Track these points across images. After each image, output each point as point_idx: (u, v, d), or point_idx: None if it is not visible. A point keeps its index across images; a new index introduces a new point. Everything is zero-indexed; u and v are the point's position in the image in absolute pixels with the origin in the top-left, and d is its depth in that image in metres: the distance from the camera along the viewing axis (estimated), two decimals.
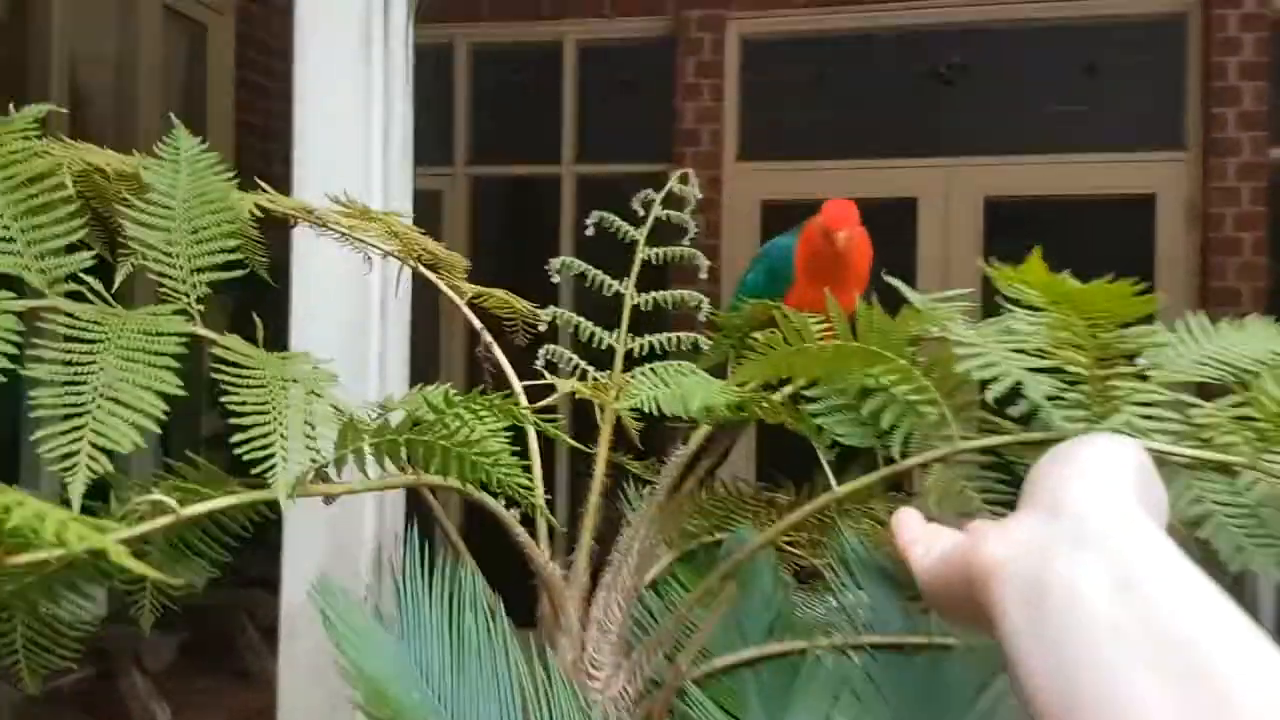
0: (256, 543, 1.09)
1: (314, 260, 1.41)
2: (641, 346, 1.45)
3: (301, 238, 1.42)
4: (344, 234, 1.10)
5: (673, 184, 1.65)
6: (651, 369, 1.25)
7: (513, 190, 4.71)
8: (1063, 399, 0.95)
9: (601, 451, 1.26)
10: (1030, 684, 0.34)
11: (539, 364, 1.41)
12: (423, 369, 1.29)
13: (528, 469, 1.01)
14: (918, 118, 4.49)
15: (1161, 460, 0.94)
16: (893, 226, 4.21)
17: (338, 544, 1.38)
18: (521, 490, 0.90)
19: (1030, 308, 0.86)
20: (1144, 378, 0.91)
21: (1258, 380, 0.96)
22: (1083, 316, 0.84)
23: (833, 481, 1.05)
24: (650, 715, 1.13)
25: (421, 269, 1.12)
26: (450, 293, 1.12)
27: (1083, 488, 0.38)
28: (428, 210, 4.64)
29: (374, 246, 1.10)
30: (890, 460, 1.02)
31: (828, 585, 1.32)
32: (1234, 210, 4.11)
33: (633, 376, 1.13)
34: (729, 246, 4.50)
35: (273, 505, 0.80)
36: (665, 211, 1.60)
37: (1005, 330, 0.99)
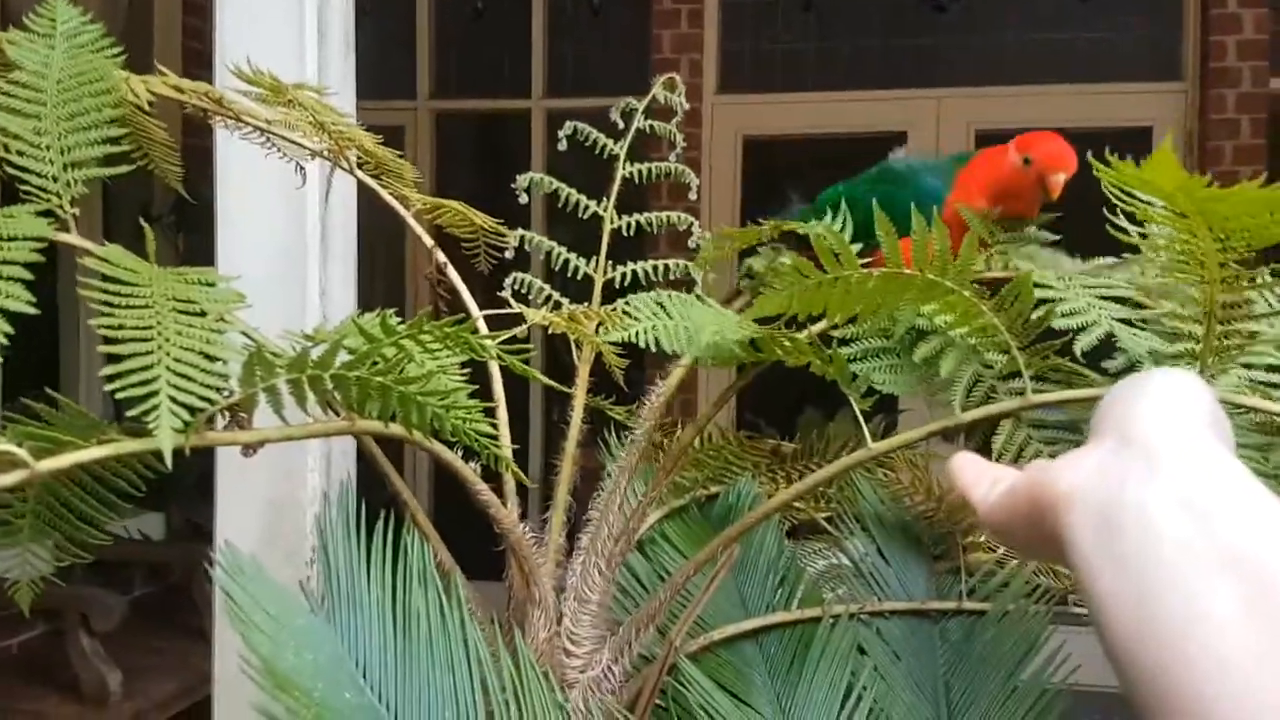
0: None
1: (237, 172, 1.21)
2: (624, 276, 1.27)
3: (223, 144, 1.23)
4: (261, 130, 0.91)
5: (656, 91, 1.46)
6: (651, 297, 1.07)
7: (480, 126, 4.47)
8: (1166, 354, 0.78)
9: (579, 394, 1.08)
10: (1102, 609, 0.33)
11: (505, 293, 1.23)
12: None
13: (490, 413, 0.83)
14: (907, 47, 4.28)
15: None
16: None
17: (278, 505, 1.20)
18: (480, 439, 0.73)
19: (1141, 222, 0.69)
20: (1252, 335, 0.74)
21: None
22: (1216, 234, 0.66)
23: (867, 436, 0.87)
24: (639, 697, 0.97)
25: (358, 174, 0.93)
26: (395, 203, 0.93)
27: (1151, 416, 0.37)
28: (389, 146, 4.40)
29: (294, 144, 0.90)
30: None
31: (835, 541, 1.16)
32: (1233, 143, 3.95)
33: (623, 306, 0.95)
34: (710, 185, 4.30)
35: (160, 456, 0.61)
36: (649, 123, 1.42)
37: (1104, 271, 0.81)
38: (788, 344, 0.85)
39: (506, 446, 0.91)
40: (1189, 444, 0.36)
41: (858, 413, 0.83)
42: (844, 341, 0.86)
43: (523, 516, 0.92)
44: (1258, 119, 3.96)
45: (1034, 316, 0.78)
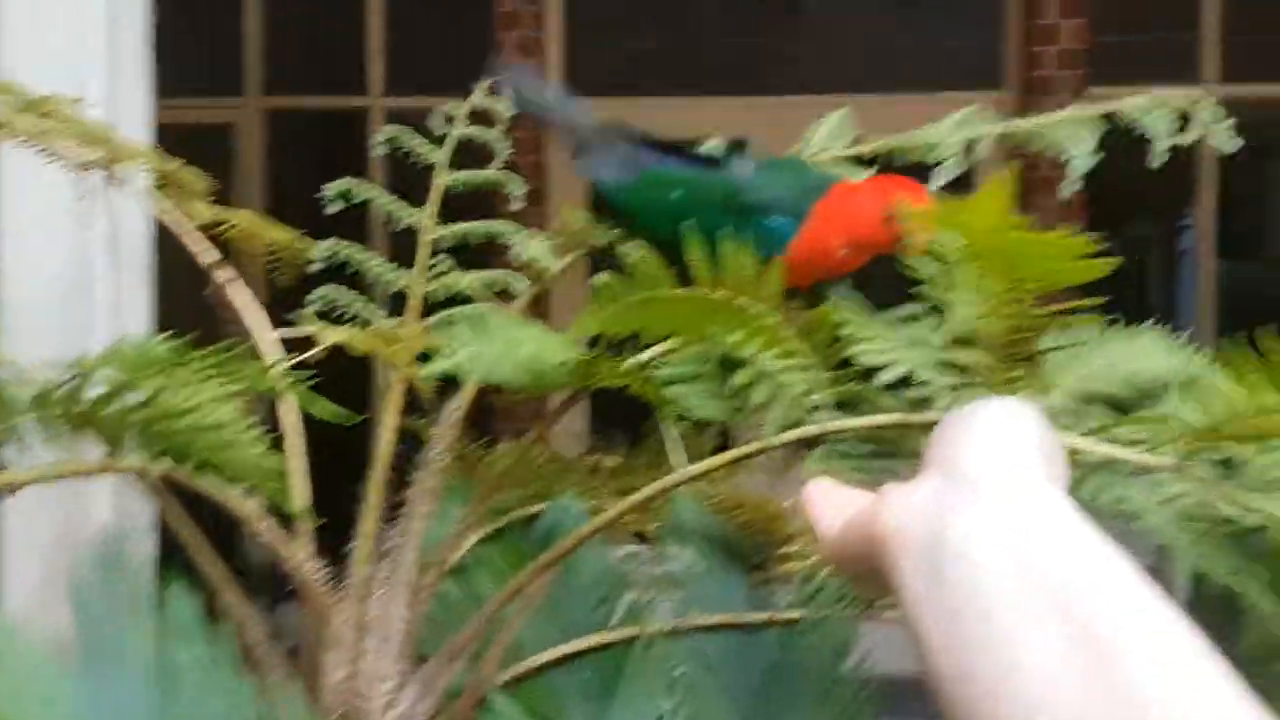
0: None
1: (18, 190, 1.12)
2: (445, 289, 1.23)
3: (6, 160, 1.13)
4: (27, 140, 0.83)
5: (477, 98, 1.43)
6: (472, 316, 1.03)
7: (315, 125, 4.32)
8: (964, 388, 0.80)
9: (388, 419, 1.04)
10: (928, 649, 0.33)
11: (310, 310, 1.17)
12: None
13: (278, 443, 0.79)
14: (750, 52, 4.35)
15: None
16: None
17: (63, 545, 1.12)
18: (255, 473, 0.68)
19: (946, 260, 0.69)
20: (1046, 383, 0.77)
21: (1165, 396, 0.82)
22: (1013, 276, 0.67)
23: (683, 460, 0.86)
24: None
25: (133, 186, 0.87)
26: (175, 216, 0.87)
27: (979, 450, 0.37)
28: (215, 145, 4.21)
29: (60, 156, 0.83)
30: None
31: (657, 556, 1.15)
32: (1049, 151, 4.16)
33: (443, 324, 0.91)
34: (558, 192, 4.27)
35: None
36: (469, 129, 1.38)
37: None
38: (607, 369, 0.83)
39: (299, 478, 0.86)
40: (1013, 479, 0.36)
41: (672, 437, 0.82)
42: (661, 364, 0.84)
43: (320, 553, 0.88)
44: None
45: (834, 346, 0.78)
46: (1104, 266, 0.63)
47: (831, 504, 0.44)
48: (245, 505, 0.74)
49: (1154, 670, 0.29)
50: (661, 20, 4.36)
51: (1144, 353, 0.81)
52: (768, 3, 4.31)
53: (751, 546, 1.12)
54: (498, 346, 0.71)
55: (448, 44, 4.34)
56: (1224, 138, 0.96)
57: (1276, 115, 4.70)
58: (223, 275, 0.87)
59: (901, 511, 0.37)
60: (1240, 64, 4.21)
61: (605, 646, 1.02)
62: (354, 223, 1.22)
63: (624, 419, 1.34)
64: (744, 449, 0.78)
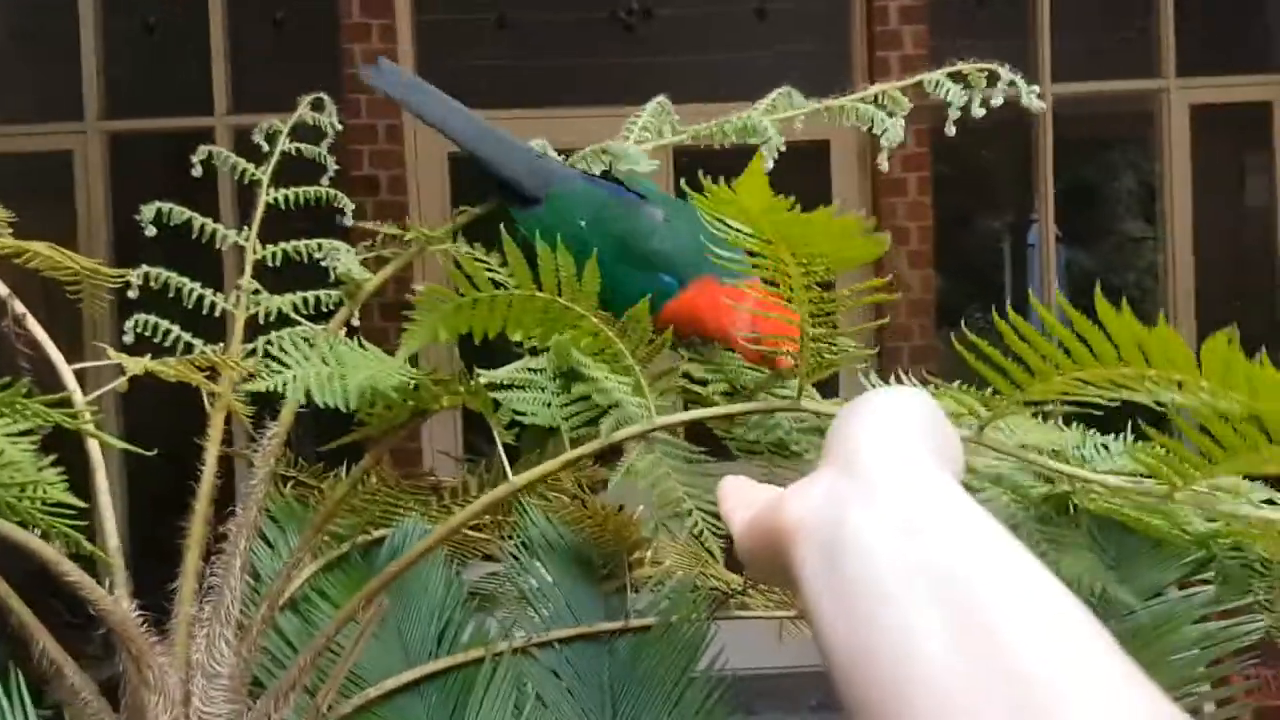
0: None
1: None
2: (268, 312, 1.19)
3: None
4: None
5: (301, 112, 1.39)
6: (300, 334, 1.00)
7: (159, 147, 4.15)
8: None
9: (211, 449, 0.99)
10: (823, 641, 0.33)
11: (126, 338, 1.12)
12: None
13: (72, 484, 0.74)
14: (602, 65, 4.37)
15: None
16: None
17: None
18: (42, 515, 0.64)
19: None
20: None
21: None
22: (799, 259, 0.68)
23: (508, 470, 0.85)
24: None
25: None
26: None
27: (872, 440, 0.38)
28: (56, 173, 4.00)
29: None
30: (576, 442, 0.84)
31: (506, 572, 1.13)
32: (901, 153, 4.31)
33: (266, 348, 0.87)
34: (419, 205, 4.20)
35: None
36: (293, 145, 1.34)
37: None
38: (438, 387, 0.81)
39: (108, 516, 0.82)
40: (904, 469, 0.36)
41: (499, 445, 0.81)
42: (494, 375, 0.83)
43: (137, 593, 0.84)
44: (920, 129, 4.33)
45: (652, 342, 0.79)
46: (881, 243, 0.64)
47: (742, 500, 0.45)
48: (46, 549, 0.69)
49: (1040, 651, 0.29)
50: (511, 33, 4.34)
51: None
52: (618, 17, 4.34)
53: (602, 555, 1.11)
54: (323, 368, 0.68)
55: (292, 60, 4.23)
56: (1032, 100, 1.00)
57: (1109, 110, 4.98)
58: (18, 308, 0.82)
59: (801, 505, 0.37)
60: (1073, 65, 4.43)
61: (451, 670, 0.99)
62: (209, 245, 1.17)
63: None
64: (574, 452, 0.77)
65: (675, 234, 0.96)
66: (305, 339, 0.90)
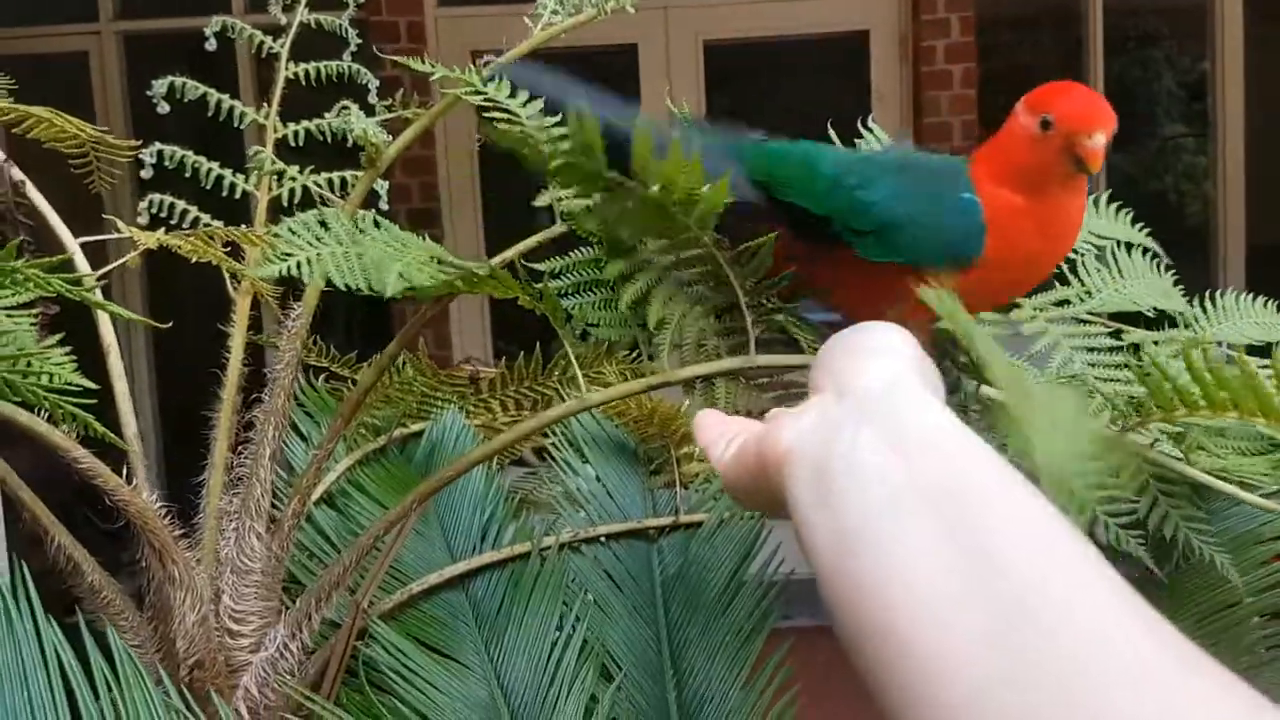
0: None
1: None
2: (291, 193, 1.12)
3: None
4: None
5: None
6: (315, 217, 0.92)
7: (176, 47, 4.03)
8: None
9: (238, 334, 0.93)
10: (815, 559, 0.34)
11: (141, 219, 1.05)
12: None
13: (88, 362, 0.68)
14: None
15: None
16: (616, 74, 3.93)
17: None
18: (45, 394, 0.58)
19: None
20: None
21: None
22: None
23: (583, 385, 0.77)
24: (325, 672, 0.86)
25: None
26: None
27: (863, 368, 0.39)
28: (71, 74, 3.91)
29: None
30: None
31: (550, 469, 1.07)
32: (944, 42, 4.12)
33: (277, 229, 0.80)
34: (439, 57, 4.07)
35: None
36: (314, 16, 1.26)
37: None
38: (495, 280, 0.74)
39: (123, 400, 0.76)
40: (897, 390, 0.37)
41: (572, 358, 0.73)
42: (555, 275, 0.75)
43: (164, 486, 0.78)
44: (966, 17, 4.15)
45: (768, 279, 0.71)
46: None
47: (722, 433, 0.46)
48: (54, 434, 0.64)
49: (1029, 560, 0.29)
50: None
51: None
52: None
53: (648, 452, 1.05)
54: (348, 250, 0.61)
55: None
56: None
57: (1159, 4, 4.73)
58: (16, 174, 0.75)
59: (792, 432, 0.38)
60: None
61: (497, 566, 0.94)
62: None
63: (522, 336, 1.24)
64: (650, 380, 0.70)
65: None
66: (320, 221, 0.83)
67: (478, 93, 0.80)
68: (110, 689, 0.57)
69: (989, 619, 0.28)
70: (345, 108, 0.87)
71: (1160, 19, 4.93)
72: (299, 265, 0.66)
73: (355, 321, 3.98)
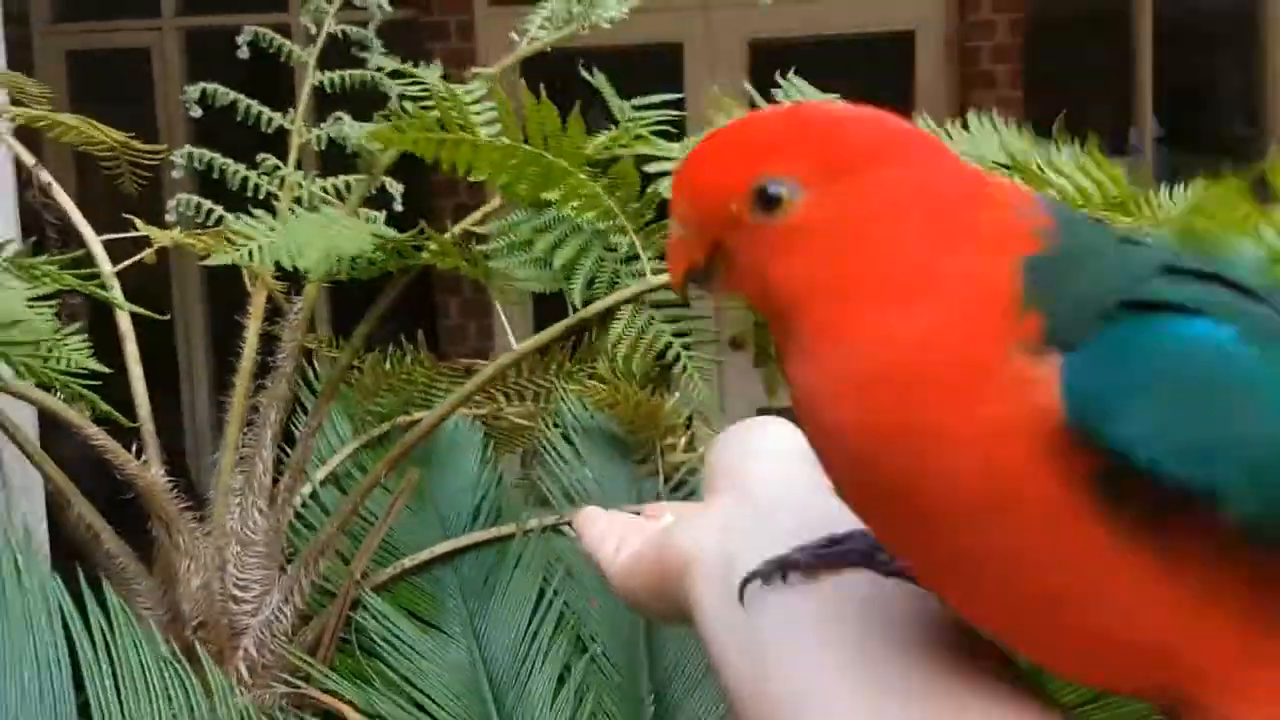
0: None
1: None
2: (310, 196, 1.19)
3: None
4: None
5: None
6: (283, 214, 1.00)
7: (235, 43, 4.17)
8: None
9: (252, 325, 1.01)
10: (724, 669, 0.33)
11: (169, 217, 1.13)
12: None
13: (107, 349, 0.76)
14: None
15: None
16: (660, 73, 3.98)
17: None
18: (58, 376, 0.66)
19: None
20: None
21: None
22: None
23: (512, 340, 0.85)
24: (322, 636, 0.93)
25: None
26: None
27: (760, 468, 0.39)
28: (133, 70, 4.06)
29: None
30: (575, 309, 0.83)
31: (538, 454, 1.14)
32: (990, 43, 4.11)
33: (241, 224, 0.87)
34: (484, 34, 4.14)
35: None
36: (340, 27, 1.33)
37: None
38: (433, 247, 0.81)
39: (138, 384, 0.84)
40: (800, 494, 0.36)
41: (501, 314, 0.80)
42: (482, 239, 0.82)
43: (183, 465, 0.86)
44: (1014, 18, 4.13)
45: (645, 195, 0.76)
46: None
47: (608, 531, 0.44)
48: (68, 411, 0.72)
49: (944, 690, 0.29)
50: None
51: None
52: None
53: (635, 441, 1.11)
54: (299, 236, 0.68)
55: None
56: None
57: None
58: (44, 177, 0.83)
59: (696, 535, 0.37)
60: None
61: (484, 545, 1.01)
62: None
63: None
64: (564, 322, 0.76)
65: None
66: (299, 215, 0.90)
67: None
68: (105, 637, 0.65)
69: None
70: (339, 118, 0.94)
71: (1218, 11, 4.85)
72: (250, 252, 0.73)
73: (400, 315, 4.10)
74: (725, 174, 0.29)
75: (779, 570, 0.32)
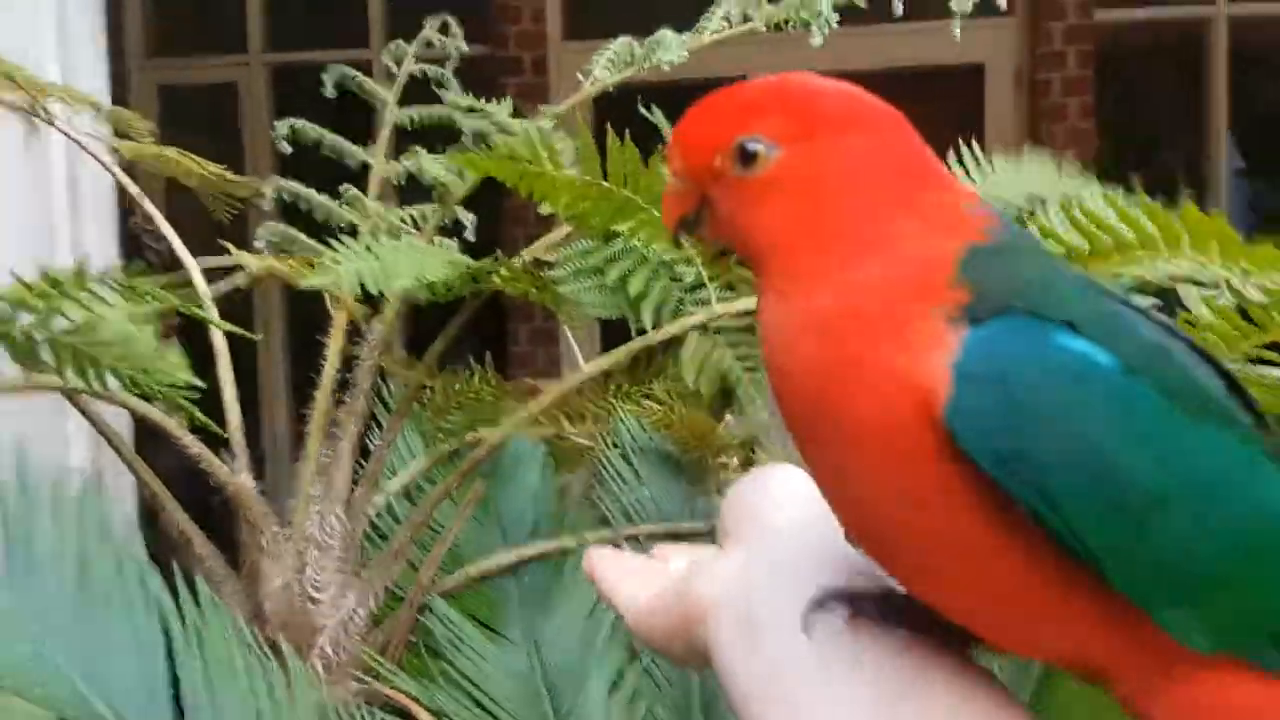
0: None
1: None
2: (389, 225, 1.27)
3: None
4: None
5: (429, 33, 1.45)
6: (368, 242, 1.06)
7: (320, 78, 4.34)
8: None
9: (333, 344, 1.09)
10: (744, 714, 0.34)
11: (258, 243, 1.21)
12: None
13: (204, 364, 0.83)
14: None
15: None
16: None
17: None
18: (167, 390, 0.73)
19: None
20: None
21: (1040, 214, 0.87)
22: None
23: (580, 360, 0.90)
24: (393, 637, 0.99)
25: (53, 124, 0.91)
26: (90, 146, 0.91)
27: (777, 515, 0.39)
28: (219, 105, 4.24)
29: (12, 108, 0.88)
30: (642, 332, 0.89)
31: (597, 471, 1.19)
32: (1060, 75, 4.10)
33: (333, 251, 0.94)
34: (558, 64, 4.24)
35: None
36: (421, 66, 1.41)
37: None
38: (505, 273, 0.87)
39: (230, 398, 0.91)
40: (816, 540, 0.37)
41: (570, 337, 0.86)
42: (552, 265, 0.88)
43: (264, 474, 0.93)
44: (1084, 50, 4.12)
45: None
46: None
47: (623, 572, 0.44)
48: (167, 421, 0.79)
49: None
50: None
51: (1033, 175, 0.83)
52: None
53: (688, 460, 1.16)
54: (389, 262, 0.75)
55: None
56: None
57: None
58: (148, 206, 0.91)
59: (715, 583, 0.37)
60: None
61: (545, 556, 1.06)
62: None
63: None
64: (631, 345, 0.81)
65: None
66: (366, 245, 0.97)
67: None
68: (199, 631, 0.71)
69: None
70: (416, 151, 1.01)
71: None
72: (344, 276, 0.80)
73: (472, 339, 4.21)
74: (712, 132, 0.32)
75: (847, 602, 0.33)
